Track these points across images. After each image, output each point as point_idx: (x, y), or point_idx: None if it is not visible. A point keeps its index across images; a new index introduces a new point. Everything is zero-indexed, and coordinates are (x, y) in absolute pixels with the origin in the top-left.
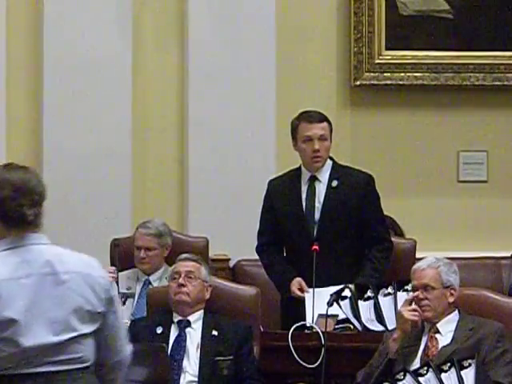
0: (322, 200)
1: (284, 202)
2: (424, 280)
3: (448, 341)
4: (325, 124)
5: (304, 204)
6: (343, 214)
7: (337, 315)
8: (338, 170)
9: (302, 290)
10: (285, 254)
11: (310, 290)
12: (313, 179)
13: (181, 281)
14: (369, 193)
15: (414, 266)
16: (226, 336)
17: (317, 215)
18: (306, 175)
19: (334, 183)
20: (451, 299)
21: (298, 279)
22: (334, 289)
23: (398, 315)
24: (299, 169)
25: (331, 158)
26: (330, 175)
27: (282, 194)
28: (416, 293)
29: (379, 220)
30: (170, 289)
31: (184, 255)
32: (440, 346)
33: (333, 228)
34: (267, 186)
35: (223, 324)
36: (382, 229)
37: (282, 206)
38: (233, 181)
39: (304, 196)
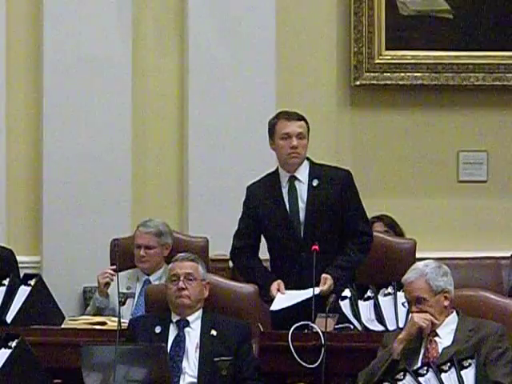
0: (305, 200)
1: (266, 206)
2: (414, 293)
3: (449, 342)
4: (303, 123)
5: (288, 206)
6: (327, 212)
7: (337, 315)
8: (316, 169)
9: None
10: (271, 257)
11: (287, 292)
12: (292, 179)
13: (181, 284)
14: (349, 189)
15: (403, 279)
16: (225, 336)
17: (302, 216)
18: (284, 176)
19: (315, 182)
20: (446, 302)
21: (279, 281)
22: (303, 292)
23: (410, 317)
24: (276, 171)
25: (307, 158)
26: (310, 174)
27: (263, 198)
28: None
29: (360, 214)
30: (169, 290)
31: (181, 255)
32: (440, 348)
33: (319, 227)
34: (246, 191)
35: (222, 323)
36: (362, 223)
37: (265, 210)
38: (233, 181)
39: (286, 198)
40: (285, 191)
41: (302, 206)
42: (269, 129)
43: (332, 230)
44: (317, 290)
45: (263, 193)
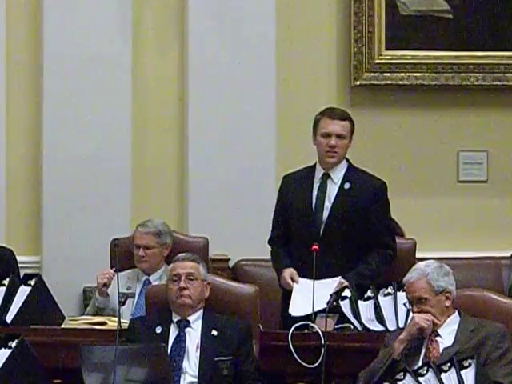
0: (332, 200)
1: (295, 198)
2: (416, 293)
3: (450, 343)
4: (346, 123)
5: (314, 202)
6: (351, 216)
7: (336, 315)
8: (352, 173)
9: (293, 280)
10: (289, 247)
11: (301, 280)
12: (325, 177)
13: (182, 284)
14: (379, 199)
15: (404, 279)
16: (225, 336)
17: (325, 214)
18: (319, 172)
19: (347, 185)
20: (447, 303)
21: (292, 269)
22: (323, 281)
23: (411, 317)
24: (314, 165)
25: (347, 160)
26: (344, 176)
27: (294, 190)
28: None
29: (385, 227)
30: (170, 291)
31: (182, 255)
32: (441, 348)
33: (339, 229)
34: (281, 180)
35: (223, 324)
36: (387, 236)
37: (293, 202)
38: (233, 181)
39: (315, 194)
40: (316, 187)
41: (327, 205)
42: (313, 124)
43: (352, 234)
44: (331, 290)
45: (295, 184)
